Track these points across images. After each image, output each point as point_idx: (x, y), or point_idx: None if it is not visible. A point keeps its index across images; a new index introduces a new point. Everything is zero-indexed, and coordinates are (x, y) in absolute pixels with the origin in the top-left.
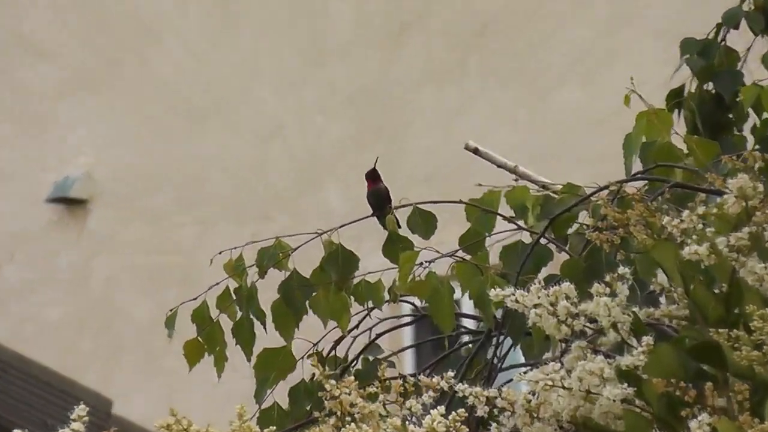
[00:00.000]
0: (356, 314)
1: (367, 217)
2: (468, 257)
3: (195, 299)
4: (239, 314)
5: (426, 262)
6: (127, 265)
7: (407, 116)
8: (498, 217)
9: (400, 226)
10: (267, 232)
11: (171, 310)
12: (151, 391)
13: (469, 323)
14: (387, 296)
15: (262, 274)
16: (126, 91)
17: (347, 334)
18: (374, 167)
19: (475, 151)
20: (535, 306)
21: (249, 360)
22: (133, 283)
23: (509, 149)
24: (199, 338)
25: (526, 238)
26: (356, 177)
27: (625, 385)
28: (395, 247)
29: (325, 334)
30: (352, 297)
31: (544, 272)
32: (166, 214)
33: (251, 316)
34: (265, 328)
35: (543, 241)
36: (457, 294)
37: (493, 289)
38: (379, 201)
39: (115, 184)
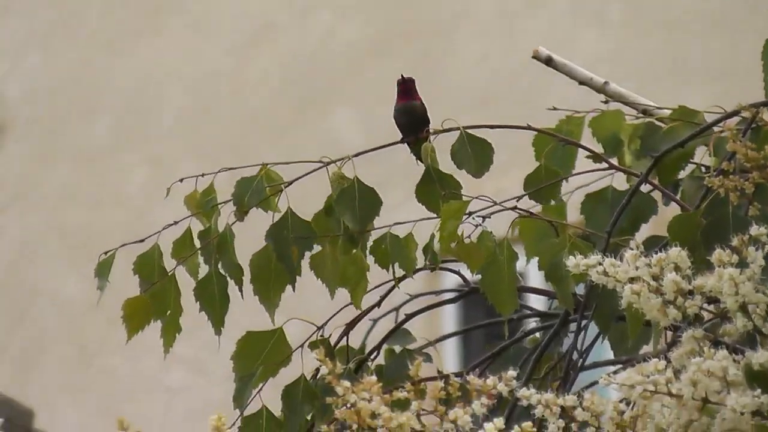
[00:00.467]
0: (377, 286)
1: (394, 143)
2: (537, 210)
3: (142, 241)
4: (205, 269)
5: (478, 215)
6: (49, 223)
7: (450, 13)
8: (580, 152)
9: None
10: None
11: (107, 253)
12: (85, 398)
13: (537, 303)
14: (421, 260)
15: (241, 214)
16: None
17: (364, 312)
18: (407, 77)
19: (548, 62)
20: (632, 280)
21: (218, 332)
22: (58, 249)
23: (596, 59)
24: (144, 296)
25: (620, 183)
26: (376, 98)
27: (758, 391)
28: (434, 190)
29: (335, 313)
30: (371, 257)
31: (644, 232)
32: (104, 150)
33: (222, 272)
34: (241, 291)
35: (644, 187)
36: (522, 262)
37: (572, 256)
38: (413, 121)
39: (33, 108)
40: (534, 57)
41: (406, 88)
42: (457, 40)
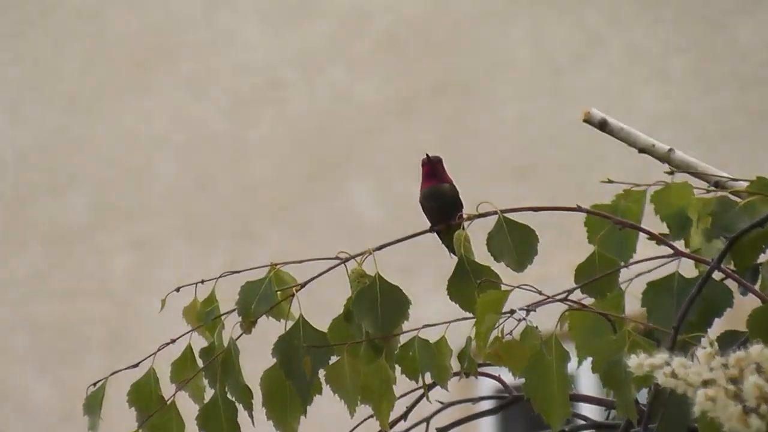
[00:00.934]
0: (403, 395)
1: (421, 233)
2: (590, 301)
3: (135, 366)
4: (209, 392)
5: (521, 309)
6: (16, 315)
7: (484, 66)
8: (640, 234)
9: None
10: (249, 259)
11: (95, 385)
12: None
13: (591, 412)
14: (456, 367)
15: (248, 325)
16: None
17: (390, 428)
18: (433, 156)
19: (602, 126)
20: (705, 384)
21: None
22: (27, 346)
23: (657, 121)
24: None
25: (689, 269)
26: (398, 166)
27: None
28: (469, 286)
29: (356, 426)
30: (397, 366)
31: (717, 327)
32: (80, 230)
33: (229, 396)
34: (251, 416)
35: (717, 275)
36: (573, 363)
37: (633, 356)
38: (442, 207)
39: None
40: (585, 120)
41: (433, 169)
42: (492, 99)
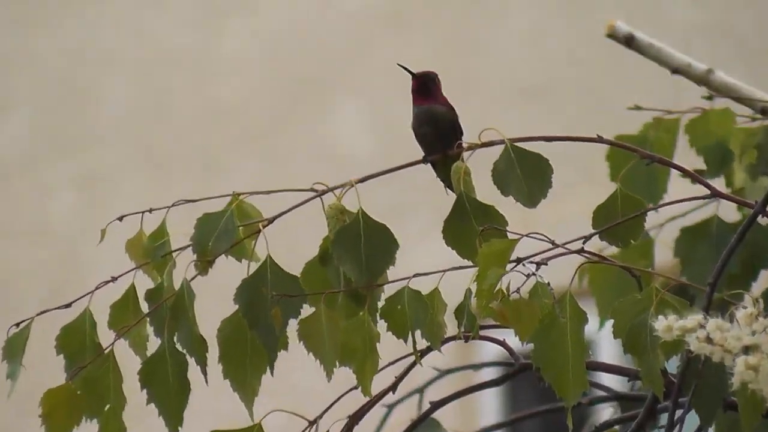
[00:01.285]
0: (391, 363)
1: (413, 163)
2: (612, 252)
3: (68, 306)
4: (155, 343)
5: (530, 262)
6: None
7: None
8: (672, 171)
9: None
10: (212, 189)
11: (17, 325)
12: None
13: (612, 382)
14: (452, 326)
15: (204, 265)
16: None
17: (376, 399)
18: (423, 72)
19: (628, 41)
20: (746, 350)
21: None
22: None
23: (693, 34)
24: (71, 385)
25: (729, 212)
26: (388, 86)
27: None
28: (469, 228)
29: (335, 401)
30: (383, 321)
31: (763, 281)
32: (15, 161)
33: (178, 348)
34: (205, 374)
35: (762, 219)
36: (592, 325)
37: (661, 317)
38: (437, 133)
39: None
40: (609, 35)
41: (424, 86)
42: (500, 8)
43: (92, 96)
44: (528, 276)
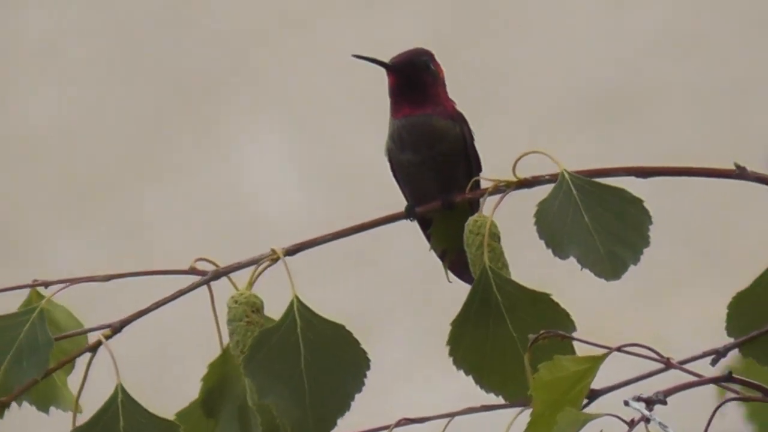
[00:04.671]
0: None
1: (387, 221)
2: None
3: None
4: None
5: (636, 399)
6: None
7: None
8: None
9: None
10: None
11: None
12: None
13: None
14: None
15: None
16: None
17: None
18: (414, 53)
19: None
20: None
21: None
22: None
23: None
24: None
25: None
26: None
27: None
28: (498, 335)
29: None
30: None
31: None
32: None
33: None
34: None
35: None
36: None
37: None
38: (433, 160)
39: None
40: None
41: (409, 80)
42: None
43: None
44: (633, 425)
